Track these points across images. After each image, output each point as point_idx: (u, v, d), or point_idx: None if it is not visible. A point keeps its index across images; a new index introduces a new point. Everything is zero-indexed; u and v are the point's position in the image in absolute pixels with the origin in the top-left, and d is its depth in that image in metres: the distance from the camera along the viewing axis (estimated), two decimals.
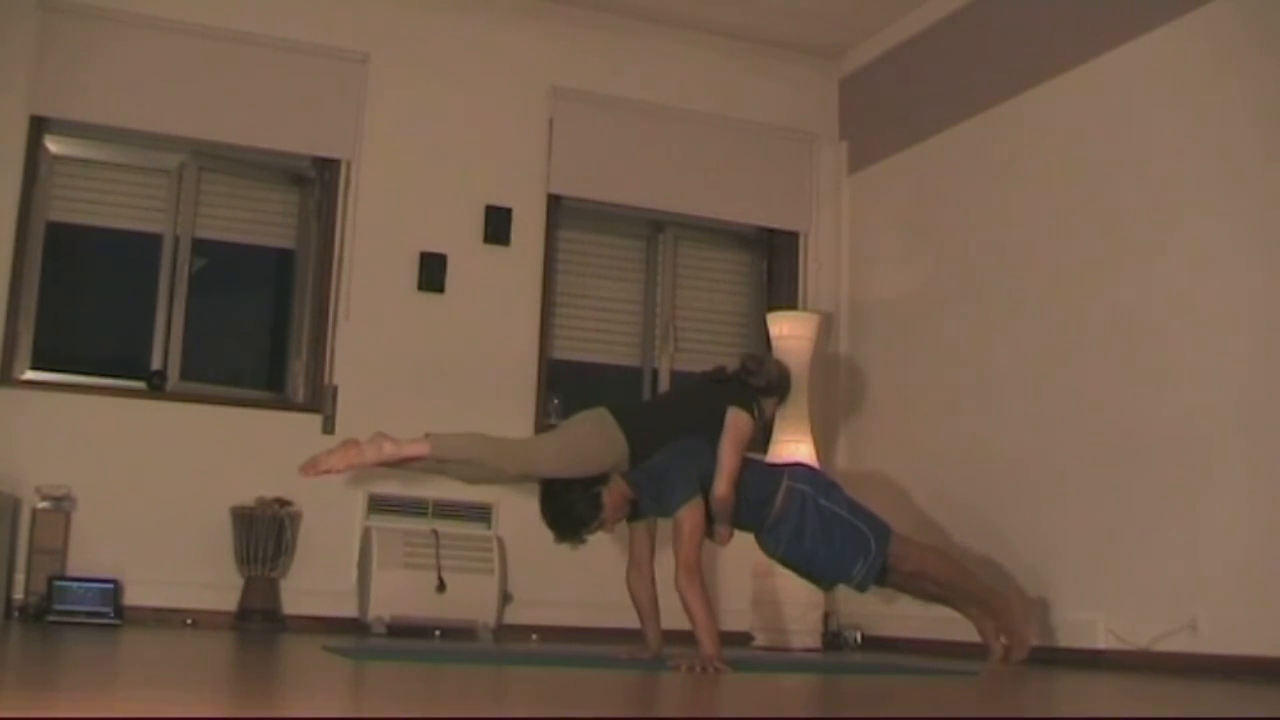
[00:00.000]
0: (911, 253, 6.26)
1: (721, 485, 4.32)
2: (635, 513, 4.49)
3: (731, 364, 4.81)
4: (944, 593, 4.75)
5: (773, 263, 6.86)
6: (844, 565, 4.44)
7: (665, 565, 4.37)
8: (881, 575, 4.54)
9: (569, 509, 4.39)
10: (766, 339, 6.42)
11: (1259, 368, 4.48)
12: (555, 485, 4.41)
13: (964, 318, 5.83)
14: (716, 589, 6.11)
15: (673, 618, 4.50)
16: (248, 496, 5.51)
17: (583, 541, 4.48)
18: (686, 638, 4.33)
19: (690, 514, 4.24)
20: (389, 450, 4.28)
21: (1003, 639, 4.70)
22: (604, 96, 6.43)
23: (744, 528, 4.53)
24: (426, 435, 4.33)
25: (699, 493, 4.29)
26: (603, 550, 6.01)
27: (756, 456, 4.64)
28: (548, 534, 5.88)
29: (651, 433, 4.44)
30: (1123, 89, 5.13)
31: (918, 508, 5.94)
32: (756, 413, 4.59)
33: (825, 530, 4.42)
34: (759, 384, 4.66)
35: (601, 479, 4.39)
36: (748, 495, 4.42)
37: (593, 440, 4.40)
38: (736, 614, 5.96)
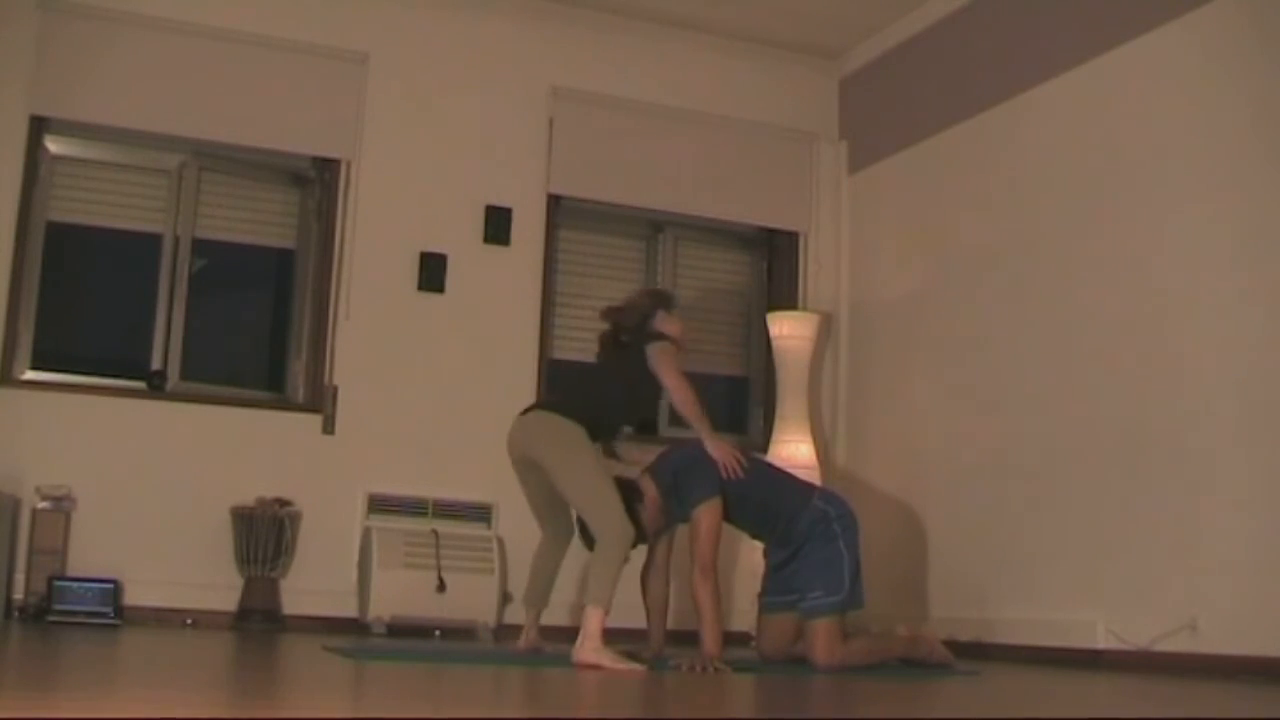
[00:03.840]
0: (911, 253, 6.25)
1: (667, 378, 4.38)
2: (668, 521, 4.46)
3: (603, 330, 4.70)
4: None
5: (773, 263, 6.86)
6: (811, 585, 4.44)
7: (681, 570, 4.37)
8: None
9: None
10: (766, 339, 6.42)
11: (1259, 368, 4.48)
12: None
13: (964, 318, 5.83)
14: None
15: (675, 619, 4.50)
16: (248, 496, 5.51)
17: (624, 559, 4.44)
18: (686, 638, 4.33)
19: (708, 513, 4.27)
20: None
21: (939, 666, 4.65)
22: (604, 96, 6.43)
23: (759, 536, 4.59)
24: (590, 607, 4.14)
25: (718, 494, 4.31)
26: None
27: (785, 469, 4.67)
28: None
29: (588, 409, 4.39)
30: (1122, 89, 5.13)
31: (916, 507, 5.94)
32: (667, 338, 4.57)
33: (824, 556, 4.41)
34: (633, 322, 4.61)
35: (638, 494, 4.36)
36: (768, 504, 4.44)
37: (575, 449, 4.30)
38: (737, 614, 5.96)
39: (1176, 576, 4.64)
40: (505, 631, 5.67)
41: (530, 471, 4.42)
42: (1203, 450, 4.61)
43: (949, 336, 5.91)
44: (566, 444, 4.32)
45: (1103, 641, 4.87)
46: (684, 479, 4.35)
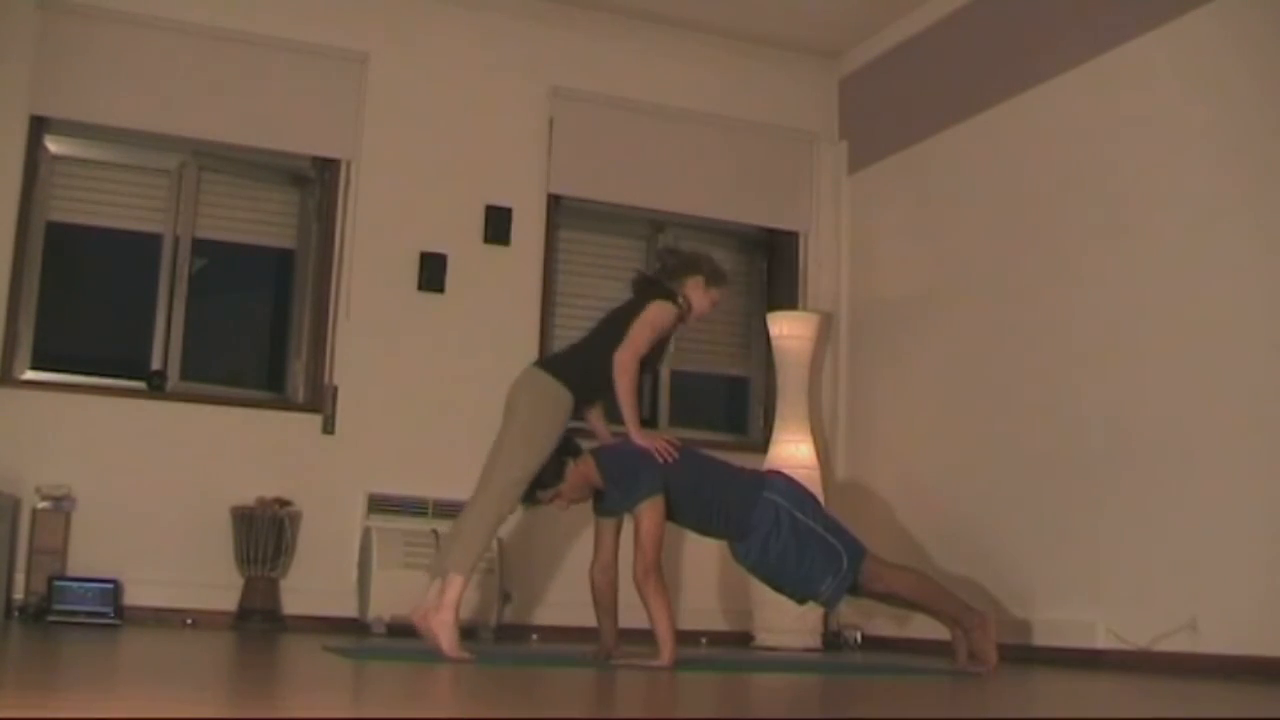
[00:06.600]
0: (911, 253, 6.25)
1: (622, 350, 4.27)
2: (601, 504, 4.37)
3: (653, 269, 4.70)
4: (918, 608, 4.69)
5: (773, 263, 6.86)
6: (812, 581, 4.35)
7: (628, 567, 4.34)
8: (852, 590, 4.48)
9: None
10: (766, 339, 6.42)
11: (1260, 367, 4.48)
12: None
13: (964, 318, 5.83)
14: (715, 586, 6.12)
15: (625, 616, 4.43)
16: (248, 496, 5.51)
17: (536, 503, 4.36)
18: (639, 636, 4.33)
19: (651, 511, 4.18)
20: (443, 616, 4.07)
21: (971, 655, 4.53)
22: (604, 96, 6.43)
23: (718, 535, 4.49)
24: (451, 574, 4.16)
25: (661, 491, 4.21)
26: None
27: (737, 464, 4.53)
28: (547, 534, 5.91)
29: (589, 371, 4.35)
30: (1122, 89, 5.13)
31: (916, 507, 5.94)
32: (681, 300, 4.48)
33: (797, 544, 4.33)
34: (673, 264, 4.52)
35: (575, 450, 4.32)
36: (726, 501, 4.35)
37: (542, 418, 4.24)
38: (737, 614, 5.97)
39: (1176, 576, 4.64)
40: (506, 631, 5.68)
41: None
42: (1203, 450, 4.61)
43: (949, 336, 5.91)
44: (536, 405, 4.26)
45: (1103, 641, 4.87)
46: (632, 473, 4.24)
